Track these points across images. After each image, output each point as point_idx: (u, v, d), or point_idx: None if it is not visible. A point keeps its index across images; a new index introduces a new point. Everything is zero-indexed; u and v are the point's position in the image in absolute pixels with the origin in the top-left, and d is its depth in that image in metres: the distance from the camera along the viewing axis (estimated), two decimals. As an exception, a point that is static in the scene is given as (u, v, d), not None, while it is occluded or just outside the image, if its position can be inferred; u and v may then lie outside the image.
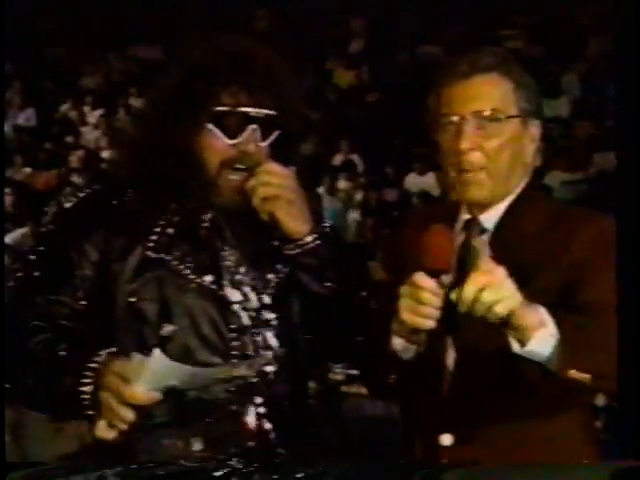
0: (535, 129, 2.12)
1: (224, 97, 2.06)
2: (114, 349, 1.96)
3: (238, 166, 2.08)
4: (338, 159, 11.30)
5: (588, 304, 1.95)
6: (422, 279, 1.91)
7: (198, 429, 2.03)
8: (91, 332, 2.03)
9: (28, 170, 12.42)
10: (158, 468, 1.89)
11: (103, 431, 1.89)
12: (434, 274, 1.92)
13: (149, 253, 2.05)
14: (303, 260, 2.12)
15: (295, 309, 2.16)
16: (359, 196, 10.49)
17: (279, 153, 2.14)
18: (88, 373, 1.90)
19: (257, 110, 2.08)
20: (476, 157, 2.06)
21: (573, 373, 1.84)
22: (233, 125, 2.07)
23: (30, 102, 14.18)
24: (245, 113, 2.07)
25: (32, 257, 2.08)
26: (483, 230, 2.11)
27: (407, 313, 1.92)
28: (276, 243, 2.13)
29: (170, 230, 2.07)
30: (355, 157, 11.17)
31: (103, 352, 1.94)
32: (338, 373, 7.73)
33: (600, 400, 7.22)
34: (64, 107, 14.06)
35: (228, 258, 2.12)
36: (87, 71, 14.47)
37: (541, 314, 1.85)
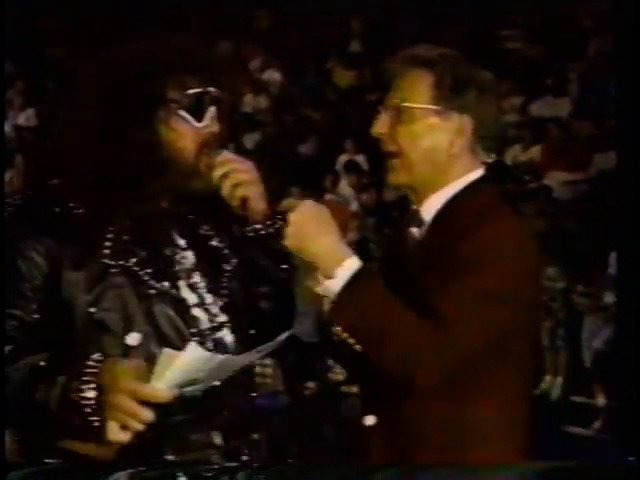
0: (461, 122, 2.18)
1: (186, 83, 2.07)
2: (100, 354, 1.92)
3: (208, 150, 2.09)
4: (339, 159, 11.30)
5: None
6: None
7: (216, 423, 2.03)
8: (46, 343, 1.97)
9: (28, 170, 12.41)
10: (165, 470, 1.89)
11: (117, 434, 1.83)
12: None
13: (106, 261, 2.02)
14: (268, 243, 2.14)
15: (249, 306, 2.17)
16: (359, 196, 10.50)
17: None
18: (88, 378, 1.86)
19: (217, 90, 2.10)
20: (388, 143, 2.20)
21: (338, 330, 2.05)
22: (198, 108, 2.08)
23: (30, 102, 14.19)
24: (207, 94, 2.08)
25: None
26: (421, 222, 2.21)
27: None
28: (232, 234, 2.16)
29: (125, 236, 2.05)
30: (357, 158, 11.18)
31: (96, 355, 1.91)
32: (338, 373, 7.72)
33: (600, 400, 7.23)
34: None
35: (182, 261, 2.11)
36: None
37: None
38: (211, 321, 2.09)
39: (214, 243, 2.18)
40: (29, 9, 13.66)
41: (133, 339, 1.86)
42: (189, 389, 1.89)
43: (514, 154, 10.17)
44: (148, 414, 1.82)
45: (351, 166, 10.96)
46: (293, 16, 14.24)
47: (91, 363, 1.88)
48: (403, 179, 2.20)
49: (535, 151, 10.04)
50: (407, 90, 2.19)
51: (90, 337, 1.98)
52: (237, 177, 2.09)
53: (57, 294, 1.99)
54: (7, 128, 13.38)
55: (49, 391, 1.87)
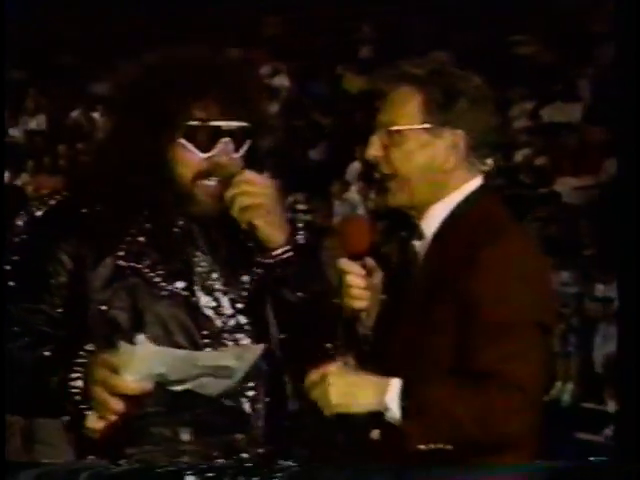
0: (453, 137, 2.15)
1: (195, 111, 2.08)
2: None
3: (212, 178, 2.09)
4: (351, 166, 11.30)
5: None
6: (345, 263, 2.14)
7: (187, 419, 2.04)
8: (70, 337, 2.05)
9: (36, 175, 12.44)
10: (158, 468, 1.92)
11: (93, 422, 1.92)
12: (355, 258, 2.13)
13: (120, 262, 2.07)
14: (276, 270, 2.13)
15: (269, 310, 2.17)
16: (369, 202, 10.48)
17: (254, 163, 2.16)
18: (77, 368, 1.94)
19: (228, 123, 2.09)
20: (383, 165, 2.18)
21: (423, 448, 1.96)
22: (205, 139, 2.08)
23: (41, 108, 14.24)
24: (217, 126, 2.08)
25: (7, 267, 2.09)
26: (421, 236, 2.18)
27: (345, 298, 2.13)
28: (251, 245, 2.15)
29: (141, 238, 2.09)
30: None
31: (89, 346, 1.97)
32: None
33: (611, 406, 7.20)
34: (75, 113, 14.09)
35: (200, 264, 2.12)
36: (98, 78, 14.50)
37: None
38: (225, 323, 2.10)
39: (231, 250, 2.17)
40: (38, 15, 13.71)
41: (139, 340, 1.90)
42: (173, 387, 1.93)
43: (524, 159, 10.16)
44: (117, 405, 1.89)
45: (366, 174, 10.95)
46: (302, 22, 14.24)
47: (81, 353, 1.96)
48: (402, 200, 2.17)
49: (545, 156, 10.02)
50: (396, 111, 2.17)
51: (101, 334, 2.04)
52: (244, 201, 2.07)
53: (78, 291, 2.06)
54: (18, 133, 13.48)
55: (50, 380, 1.96)
